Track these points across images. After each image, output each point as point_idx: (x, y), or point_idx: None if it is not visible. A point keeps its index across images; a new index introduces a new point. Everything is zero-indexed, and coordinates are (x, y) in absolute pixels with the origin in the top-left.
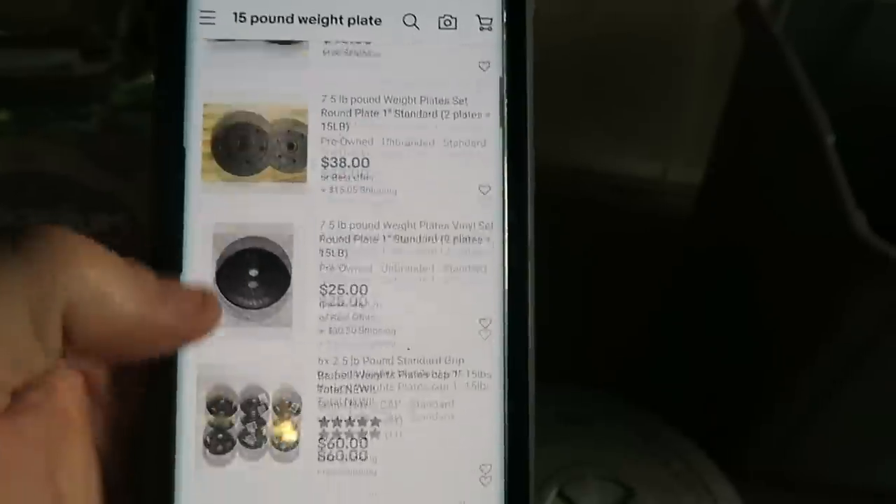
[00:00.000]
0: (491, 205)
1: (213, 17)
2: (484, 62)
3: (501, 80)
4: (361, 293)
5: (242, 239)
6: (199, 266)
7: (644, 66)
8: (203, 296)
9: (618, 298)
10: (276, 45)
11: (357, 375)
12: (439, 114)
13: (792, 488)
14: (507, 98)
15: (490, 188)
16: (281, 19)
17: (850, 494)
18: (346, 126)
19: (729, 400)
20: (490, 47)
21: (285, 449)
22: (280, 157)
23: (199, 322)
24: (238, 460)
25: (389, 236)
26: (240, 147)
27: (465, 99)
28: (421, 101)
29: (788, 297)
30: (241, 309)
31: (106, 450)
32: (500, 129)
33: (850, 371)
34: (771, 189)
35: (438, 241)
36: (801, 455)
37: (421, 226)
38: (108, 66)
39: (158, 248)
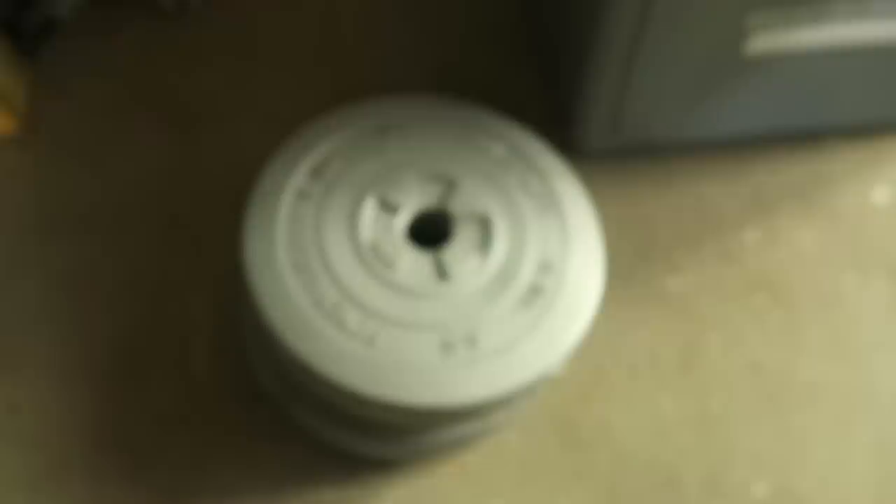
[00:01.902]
0: None
1: None
2: None
3: None
4: None
5: None
6: None
7: None
8: None
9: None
10: None
11: None
12: None
13: (622, 158)
14: None
15: None
16: None
17: (676, 152)
18: None
19: (555, 79)
20: None
21: None
22: None
23: None
24: None
25: None
26: None
27: None
28: None
29: None
30: None
31: None
32: None
33: (643, 27)
34: None
35: None
36: (625, 122)
37: None
38: None
39: None
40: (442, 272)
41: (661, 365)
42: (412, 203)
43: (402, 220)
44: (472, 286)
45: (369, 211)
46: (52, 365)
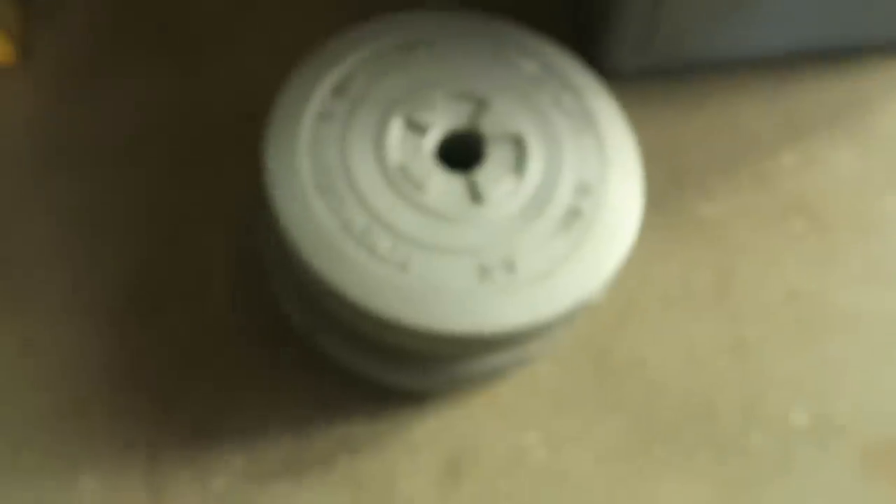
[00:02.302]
0: None
1: None
2: None
3: None
4: None
5: None
6: None
7: None
8: None
9: None
10: None
11: None
12: None
13: (652, 79)
14: None
15: None
16: None
17: (709, 73)
18: None
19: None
20: None
21: None
22: None
23: None
24: None
25: None
26: None
27: None
28: None
29: None
30: None
31: None
32: None
33: None
34: None
35: None
36: (657, 39)
37: None
38: None
39: None
40: (475, 195)
41: (696, 293)
42: (441, 123)
43: (431, 140)
44: (508, 209)
45: (396, 131)
46: (65, 303)
